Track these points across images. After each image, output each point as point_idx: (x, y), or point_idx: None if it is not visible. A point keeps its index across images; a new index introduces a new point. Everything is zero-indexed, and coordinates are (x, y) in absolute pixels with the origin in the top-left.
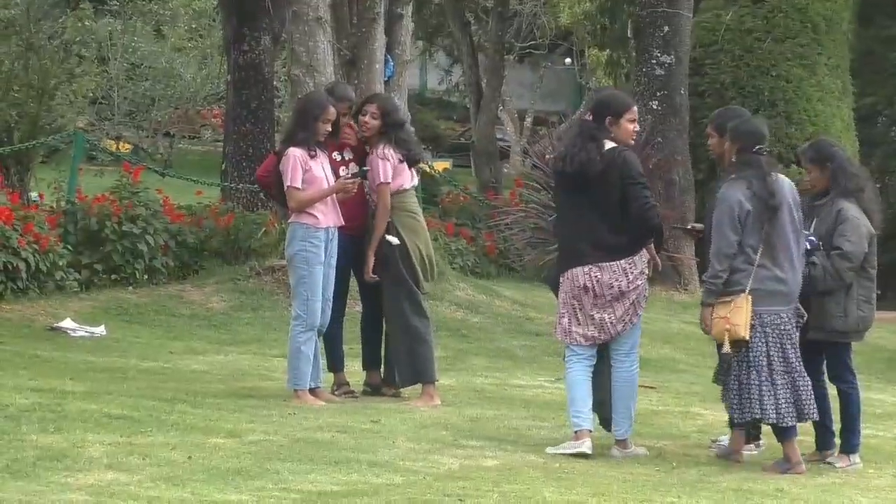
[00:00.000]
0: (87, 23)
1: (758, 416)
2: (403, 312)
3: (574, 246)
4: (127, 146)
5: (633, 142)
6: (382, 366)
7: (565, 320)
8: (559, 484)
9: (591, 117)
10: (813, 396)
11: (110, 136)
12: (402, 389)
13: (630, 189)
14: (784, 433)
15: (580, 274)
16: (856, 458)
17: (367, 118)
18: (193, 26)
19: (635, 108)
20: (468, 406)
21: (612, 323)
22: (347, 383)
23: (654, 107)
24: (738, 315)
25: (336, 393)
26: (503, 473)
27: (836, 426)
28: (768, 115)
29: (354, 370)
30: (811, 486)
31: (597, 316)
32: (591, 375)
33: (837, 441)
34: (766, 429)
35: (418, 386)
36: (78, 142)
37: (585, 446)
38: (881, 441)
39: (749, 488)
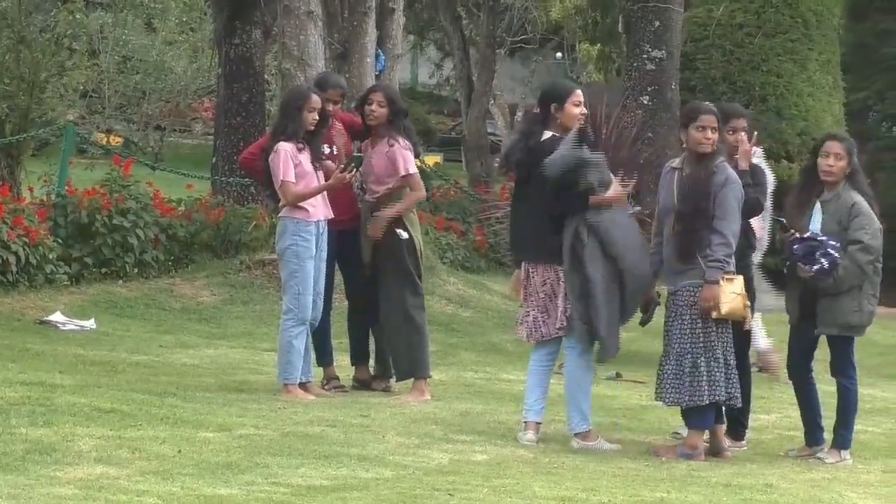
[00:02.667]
0: (78, 16)
1: (722, 398)
2: (406, 306)
3: (519, 238)
4: (117, 139)
5: (580, 125)
6: (372, 360)
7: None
8: (548, 478)
9: (538, 109)
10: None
11: (101, 129)
12: (391, 384)
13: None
14: (720, 418)
15: (523, 267)
16: (846, 454)
17: (373, 107)
18: (184, 20)
19: (579, 92)
20: (458, 401)
21: (543, 322)
22: (337, 377)
23: (645, 102)
24: (747, 296)
25: (326, 387)
26: (493, 468)
27: (825, 421)
28: (759, 111)
29: (344, 364)
30: (800, 481)
31: (531, 312)
32: (544, 368)
33: (826, 437)
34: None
35: (409, 380)
36: (68, 135)
37: (525, 438)
38: (871, 437)
39: (739, 483)
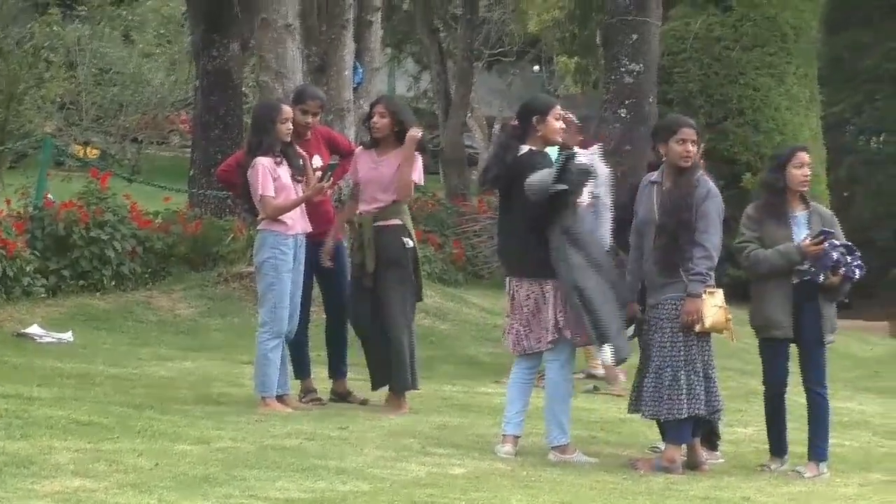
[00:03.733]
0: (55, 28)
1: (702, 412)
2: (408, 317)
3: (502, 253)
4: (95, 151)
5: (560, 139)
6: (350, 373)
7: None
8: (526, 492)
9: (517, 122)
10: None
11: (78, 141)
12: (367, 398)
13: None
14: (696, 429)
15: (508, 282)
16: (824, 466)
17: (374, 119)
18: (162, 32)
19: (559, 107)
20: (436, 414)
21: (525, 336)
22: (315, 390)
23: (623, 115)
24: (728, 308)
25: (303, 400)
26: (471, 481)
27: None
28: (736, 124)
29: (322, 377)
30: (778, 494)
31: (515, 326)
32: (526, 381)
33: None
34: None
35: (384, 392)
36: (46, 147)
37: (503, 451)
38: (847, 450)
39: (716, 496)
